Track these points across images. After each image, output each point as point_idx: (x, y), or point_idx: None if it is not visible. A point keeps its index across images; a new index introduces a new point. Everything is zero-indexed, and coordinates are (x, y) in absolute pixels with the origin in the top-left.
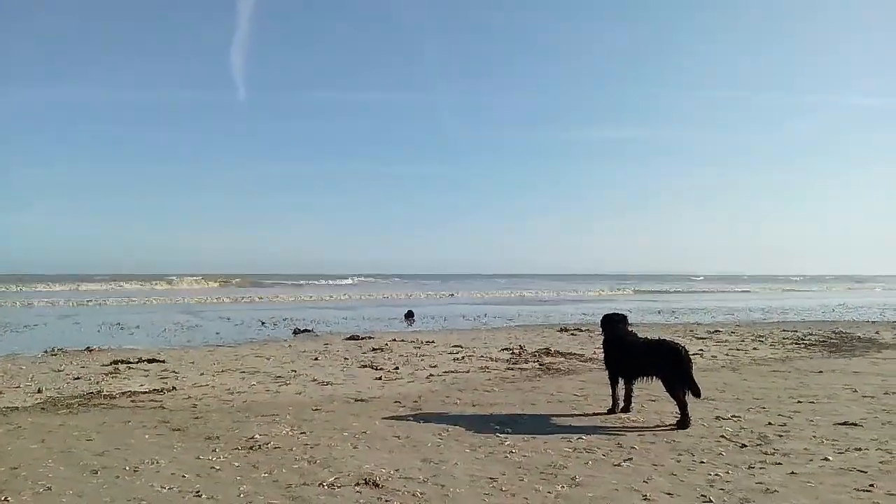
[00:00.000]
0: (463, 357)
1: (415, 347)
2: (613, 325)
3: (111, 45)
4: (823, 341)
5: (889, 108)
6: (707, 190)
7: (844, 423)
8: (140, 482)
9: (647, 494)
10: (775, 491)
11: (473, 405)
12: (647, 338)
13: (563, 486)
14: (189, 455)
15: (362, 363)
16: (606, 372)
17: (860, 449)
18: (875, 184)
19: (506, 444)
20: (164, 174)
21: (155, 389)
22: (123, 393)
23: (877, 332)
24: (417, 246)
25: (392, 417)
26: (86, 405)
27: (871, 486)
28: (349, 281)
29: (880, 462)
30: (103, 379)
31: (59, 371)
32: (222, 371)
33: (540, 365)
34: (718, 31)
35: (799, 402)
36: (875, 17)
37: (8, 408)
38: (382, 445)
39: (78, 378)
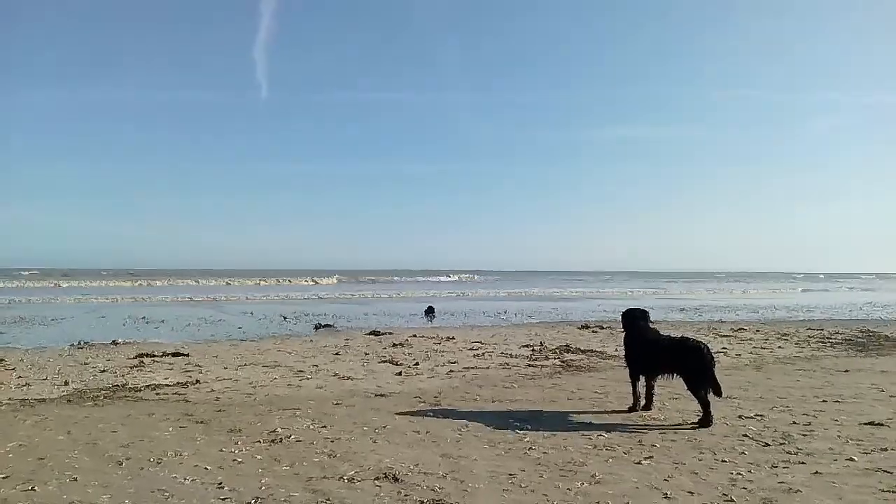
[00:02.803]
0: (483, 353)
1: (435, 343)
2: (635, 322)
3: (131, 46)
4: (850, 340)
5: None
6: (727, 189)
7: (870, 423)
8: (164, 473)
9: (668, 493)
10: (798, 491)
11: (493, 401)
12: (669, 335)
13: (582, 484)
14: (212, 447)
15: (382, 358)
16: (627, 369)
17: (886, 449)
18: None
19: (525, 440)
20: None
21: (179, 383)
22: (148, 386)
23: None
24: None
25: (412, 413)
26: (111, 398)
27: None
28: (453, 278)
29: None
30: (128, 372)
31: (86, 364)
32: (245, 365)
33: (560, 362)
34: (739, 30)
35: (824, 401)
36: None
37: (35, 399)
38: (402, 440)
39: (104, 371)
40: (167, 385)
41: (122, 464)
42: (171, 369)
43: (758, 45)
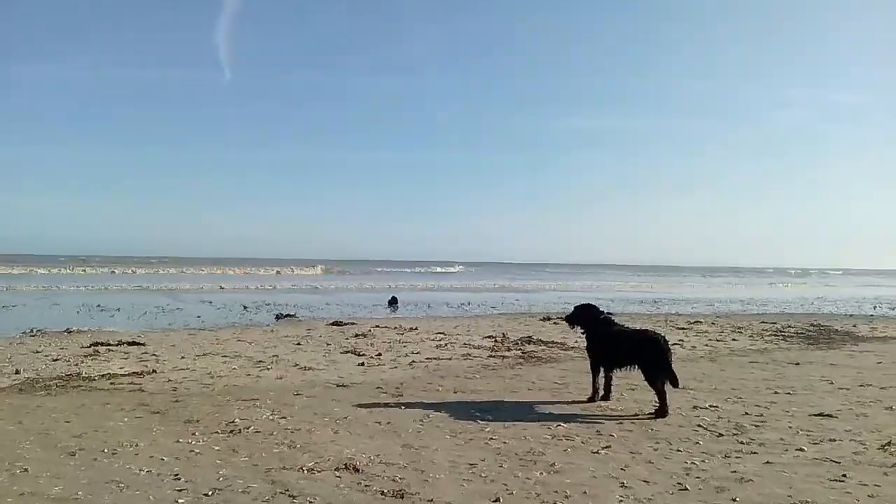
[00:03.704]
0: (446, 344)
1: (398, 334)
2: (592, 316)
3: (94, 21)
4: (801, 333)
5: (871, 104)
6: (686, 180)
7: (820, 415)
8: (118, 465)
9: (625, 482)
10: (750, 480)
11: (455, 392)
12: (629, 327)
13: (541, 473)
14: (168, 438)
15: (345, 349)
16: (588, 361)
17: (834, 440)
18: (853, 178)
19: (486, 430)
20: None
21: (135, 372)
22: (102, 375)
23: (854, 325)
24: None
25: (373, 403)
26: (64, 387)
27: (844, 476)
28: (456, 269)
29: (854, 453)
30: (82, 361)
31: (38, 352)
32: (203, 355)
33: (522, 353)
34: (707, 22)
35: (776, 392)
36: (860, 16)
37: None
38: (363, 431)
39: (57, 360)
40: (122, 374)
41: (74, 455)
42: (126, 358)
43: (724, 38)
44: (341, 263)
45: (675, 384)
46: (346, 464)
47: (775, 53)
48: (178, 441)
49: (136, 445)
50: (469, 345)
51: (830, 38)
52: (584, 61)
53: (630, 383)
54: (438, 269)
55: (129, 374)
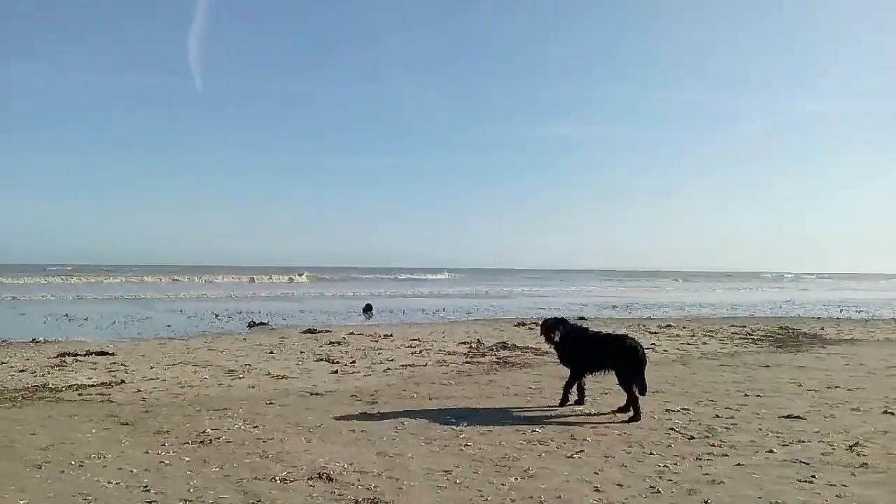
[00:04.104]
0: (420, 351)
1: (372, 341)
2: (569, 325)
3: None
4: (770, 337)
5: (836, 113)
6: (660, 187)
7: (789, 416)
8: (86, 477)
9: (598, 485)
10: (721, 482)
11: (430, 398)
12: (606, 333)
13: (516, 479)
14: (137, 450)
15: (319, 357)
16: (563, 366)
17: (803, 441)
18: (823, 184)
19: (461, 436)
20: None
21: (103, 383)
22: (70, 386)
23: (822, 329)
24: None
25: (347, 411)
26: (30, 398)
27: (813, 477)
28: (443, 276)
29: (822, 454)
30: (49, 372)
31: (3, 363)
32: (173, 364)
33: (497, 359)
34: (684, 28)
35: (746, 395)
36: (830, 23)
37: None
38: (337, 439)
39: (22, 371)
40: (91, 385)
41: (41, 467)
42: (94, 369)
43: (690, 47)
44: (326, 270)
45: (642, 392)
46: (319, 473)
47: (744, 61)
48: (147, 452)
49: (105, 457)
50: (444, 351)
51: (797, 48)
52: (554, 69)
53: (605, 388)
54: (428, 277)
55: (97, 385)
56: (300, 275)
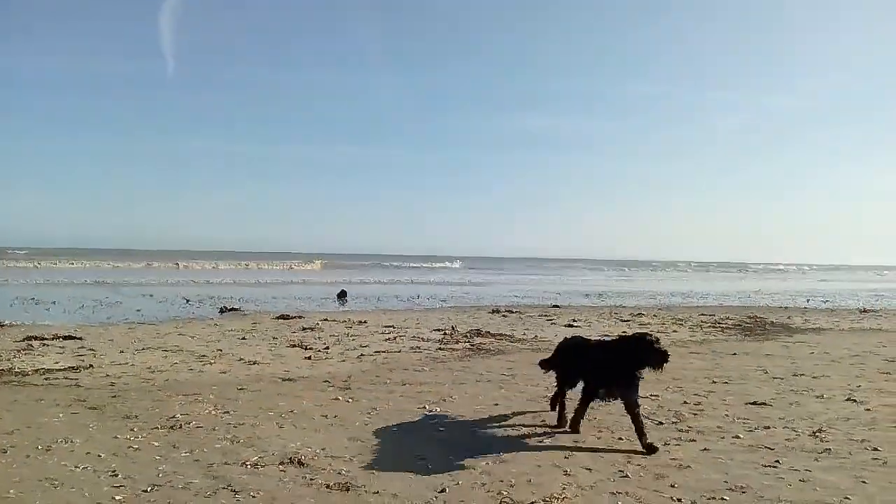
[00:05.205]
0: (395, 337)
1: (346, 327)
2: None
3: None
4: (739, 325)
5: (810, 109)
6: (639, 180)
7: (755, 403)
8: (52, 462)
9: (568, 470)
10: (688, 466)
11: (403, 385)
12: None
13: (487, 463)
14: (105, 434)
15: (291, 343)
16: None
17: (768, 427)
18: (789, 179)
19: (433, 422)
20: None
21: (70, 367)
22: (36, 370)
23: (788, 318)
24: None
25: (320, 397)
26: None
27: (777, 462)
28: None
29: (786, 440)
30: (15, 356)
31: None
32: (143, 349)
33: (470, 345)
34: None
35: (714, 382)
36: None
37: None
38: (309, 425)
39: None
40: (58, 369)
41: (6, 452)
42: (62, 353)
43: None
44: (340, 257)
45: None
46: (291, 458)
47: (722, 58)
48: (115, 437)
49: (72, 442)
50: (418, 337)
51: (774, 47)
52: (542, 63)
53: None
54: (439, 265)
55: (64, 369)
56: (307, 263)
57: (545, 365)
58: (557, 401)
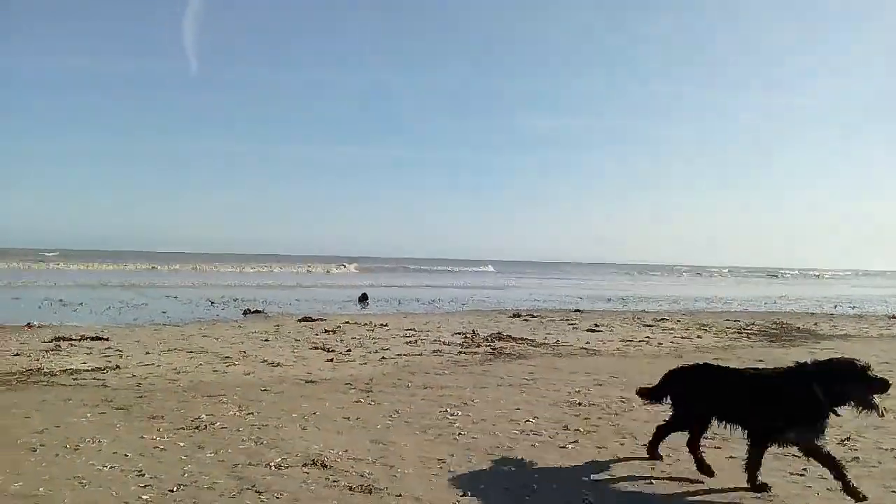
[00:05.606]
0: (416, 340)
1: (368, 330)
2: None
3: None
4: (764, 331)
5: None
6: (660, 181)
7: None
8: (80, 461)
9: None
10: (714, 474)
11: (424, 388)
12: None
13: (509, 468)
14: (132, 434)
15: (314, 345)
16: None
17: None
18: (795, 180)
19: (455, 426)
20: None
21: (98, 368)
22: (64, 370)
23: (815, 324)
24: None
25: (342, 399)
26: (25, 382)
27: (804, 470)
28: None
29: None
30: (44, 356)
31: None
32: (168, 350)
33: (491, 349)
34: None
35: None
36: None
37: None
38: (332, 427)
39: (17, 354)
40: (85, 370)
41: (35, 450)
42: (89, 354)
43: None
44: (374, 261)
45: None
46: (314, 459)
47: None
48: (142, 437)
49: (99, 441)
50: (439, 341)
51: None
52: (552, 62)
53: (597, 380)
54: (470, 269)
55: (91, 370)
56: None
57: (650, 394)
58: (690, 445)
